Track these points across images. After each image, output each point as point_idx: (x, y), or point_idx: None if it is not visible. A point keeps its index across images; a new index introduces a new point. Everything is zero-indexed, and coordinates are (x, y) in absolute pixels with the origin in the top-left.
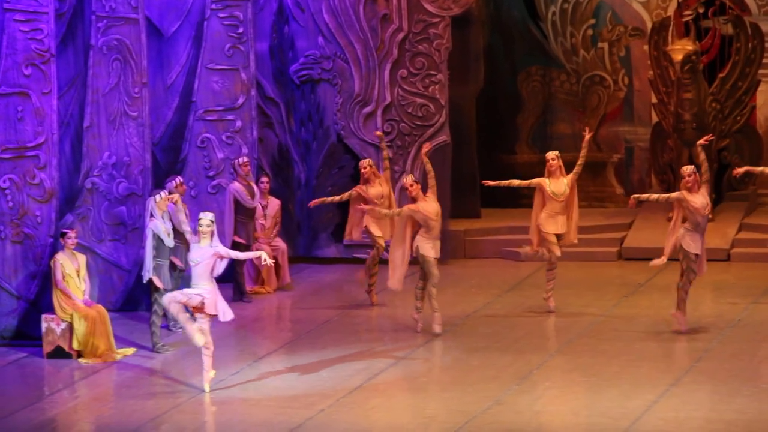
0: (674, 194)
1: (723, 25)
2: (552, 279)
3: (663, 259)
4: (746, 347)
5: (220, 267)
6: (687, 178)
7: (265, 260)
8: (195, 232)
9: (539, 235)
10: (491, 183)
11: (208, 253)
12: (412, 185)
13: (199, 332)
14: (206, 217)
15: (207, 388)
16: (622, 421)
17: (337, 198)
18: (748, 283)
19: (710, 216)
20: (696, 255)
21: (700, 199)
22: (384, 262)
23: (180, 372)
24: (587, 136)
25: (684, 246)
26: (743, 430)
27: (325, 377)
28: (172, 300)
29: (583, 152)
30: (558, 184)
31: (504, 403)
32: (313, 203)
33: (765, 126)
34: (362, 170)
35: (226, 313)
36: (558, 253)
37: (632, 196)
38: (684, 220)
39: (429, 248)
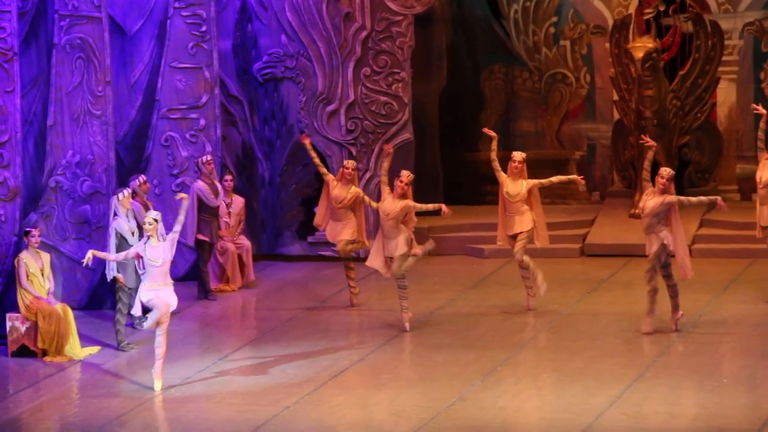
0: (648, 183)
1: (683, 23)
2: (526, 278)
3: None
4: (708, 343)
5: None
6: (659, 179)
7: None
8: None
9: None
10: (488, 130)
11: (167, 249)
12: (407, 185)
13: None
14: (150, 215)
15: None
16: (585, 417)
17: (316, 159)
18: (710, 279)
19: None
20: (648, 254)
21: (651, 201)
22: (359, 260)
23: (145, 370)
24: (580, 181)
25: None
26: (705, 424)
27: (291, 374)
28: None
29: (556, 180)
30: (515, 186)
31: (468, 399)
32: (303, 138)
33: (725, 123)
34: (344, 169)
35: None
36: (515, 253)
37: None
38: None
39: (388, 247)
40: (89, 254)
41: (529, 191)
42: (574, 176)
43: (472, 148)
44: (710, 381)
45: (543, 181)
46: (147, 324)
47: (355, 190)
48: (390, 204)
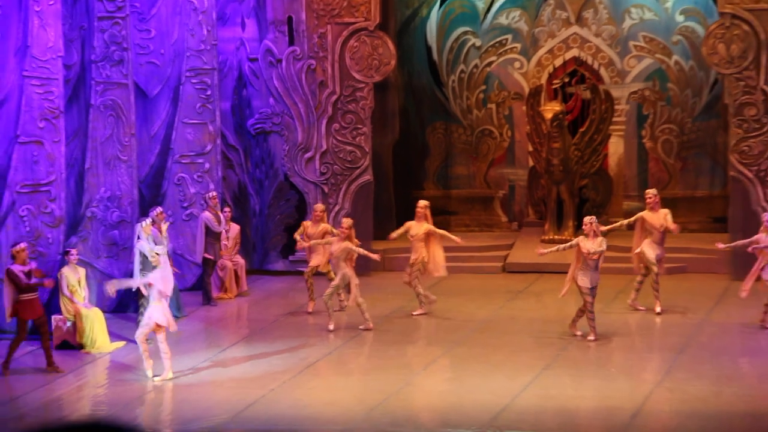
0: (573, 241)
1: (583, 91)
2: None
3: (564, 290)
4: (600, 340)
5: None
6: (585, 227)
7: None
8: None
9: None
10: (394, 235)
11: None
12: (348, 229)
13: (151, 365)
14: (155, 249)
15: (160, 377)
16: (505, 398)
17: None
18: (602, 291)
19: (598, 259)
20: (587, 288)
21: (590, 244)
22: (319, 275)
23: (161, 360)
24: (458, 240)
25: (578, 282)
26: (597, 403)
27: (275, 364)
28: (141, 337)
29: (441, 233)
30: (417, 228)
31: (414, 385)
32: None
33: (615, 169)
34: (314, 212)
35: (171, 324)
36: (406, 278)
37: (539, 252)
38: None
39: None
40: (111, 287)
41: (427, 233)
42: (455, 238)
43: (419, 187)
44: (602, 370)
45: (437, 230)
46: (138, 333)
47: (323, 226)
48: (334, 246)
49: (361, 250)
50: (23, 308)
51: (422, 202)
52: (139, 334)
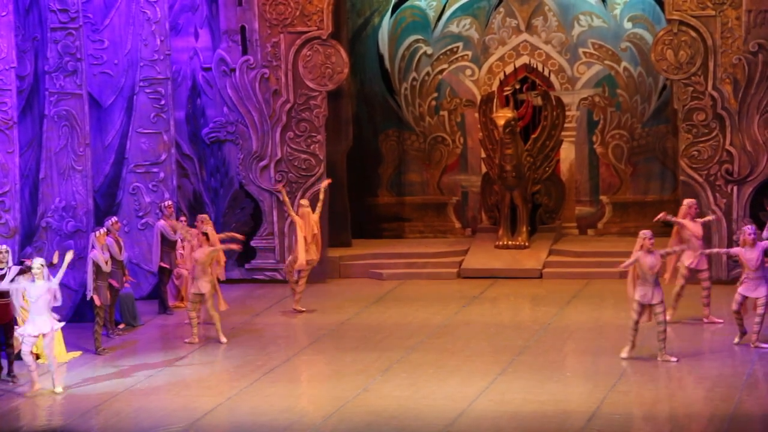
0: (632, 258)
1: (534, 98)
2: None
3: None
4: (555, 344)
5: (57, 301)
6: (645, 241)
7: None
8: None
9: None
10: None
11: (43, 290)
12: (203, 230)
13: (38, 381)
14: (37, 262)
15: (35, 389)
16: (461, 403)
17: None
18: (556, 296)
19: (660, 274)
20: (635, 301)
21: (650, 259)
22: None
23: (117, 369)
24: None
25: (635, 296)
26: (553, 407)
27: (232, 371)
28: (25, 355)
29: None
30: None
31: (370, 390)
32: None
33: (567, 175)
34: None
35: (55, 325)
36: (300, 271)
37: (622, 267)
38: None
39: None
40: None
41: (311, 223)
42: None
43: (373, 194)
44: (557, 374)
45: (318, 227)
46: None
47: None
48: (199, 252)
49: (223, 246)
50: None
51: (303, 201)
52: (23, 352)
